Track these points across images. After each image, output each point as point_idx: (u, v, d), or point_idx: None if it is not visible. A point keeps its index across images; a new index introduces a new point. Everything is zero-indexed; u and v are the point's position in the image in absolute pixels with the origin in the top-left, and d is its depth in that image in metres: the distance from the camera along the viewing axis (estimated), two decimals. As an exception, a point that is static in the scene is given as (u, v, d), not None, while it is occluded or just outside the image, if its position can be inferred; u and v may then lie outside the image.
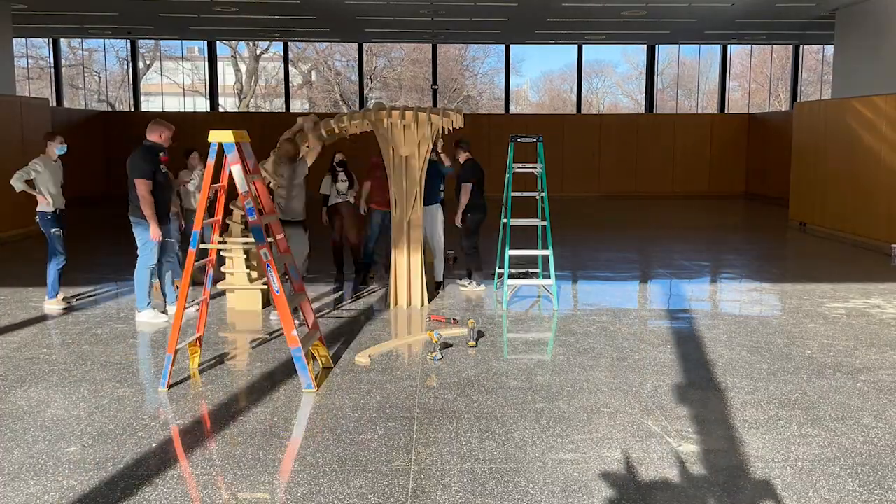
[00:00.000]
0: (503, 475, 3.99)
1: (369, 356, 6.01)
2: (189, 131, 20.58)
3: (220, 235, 7.62)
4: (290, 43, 22.67)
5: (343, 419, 4.75)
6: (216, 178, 5.52)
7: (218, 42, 22.21)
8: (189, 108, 25.85)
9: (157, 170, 7.00)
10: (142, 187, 6.89)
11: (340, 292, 8.58)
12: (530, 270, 9.01)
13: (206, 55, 21.61)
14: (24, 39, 20.88)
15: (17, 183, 7.83)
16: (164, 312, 7.37)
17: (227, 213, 7.64)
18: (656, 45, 21.97)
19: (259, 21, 16.74)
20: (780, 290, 8.89)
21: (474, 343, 6.34)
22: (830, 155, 13.46)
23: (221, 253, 7.60)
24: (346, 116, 7.57)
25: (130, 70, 22.61)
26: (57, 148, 8.46)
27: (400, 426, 4.63)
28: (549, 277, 7.99)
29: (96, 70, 26.44)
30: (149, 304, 7.21)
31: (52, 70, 21.72)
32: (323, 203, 9.08)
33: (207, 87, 22.00)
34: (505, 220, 8.13)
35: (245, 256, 7.65)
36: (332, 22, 16.96)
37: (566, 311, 7.76)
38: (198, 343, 5.73)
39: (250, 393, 5.25)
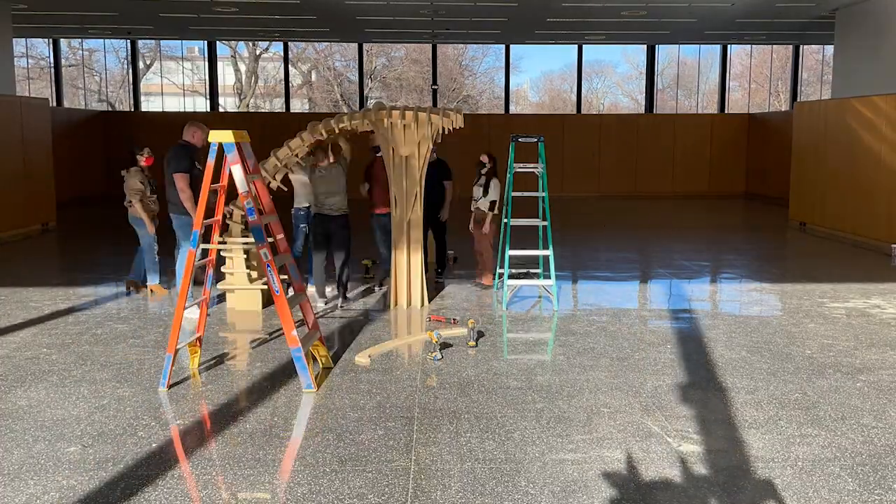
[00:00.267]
0: (503, 475, 3.99)
1: (369, 356, 6.01)
2: (189, 131, 20.61)
3: (220, 235, 7.63)
4: (289, 43, 22.67)
5: (343, 419, 4.75)
6: (216, 178, 5.53)
7: (218, 42, 22.20)
8: (189, 108, 25.84)
9: (193, 166, 7.48)
10: (181, 181, 7.35)
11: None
12: (531, 271, 9.01)
13: (206, 55, 21.61)
14: (24, 39, 20.87)
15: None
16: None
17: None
18: (656, 45, 21.97)
19: (259, 21, 16.74)
20: (780, 290, 8.89)
21: (474, 343, 6.34)
22: (830, 155, 13.46)
23: (221, 253, 7.60)
24: (345, 116, 7.57)
25: (130, 70, 22.60)
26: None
27: (400, 426, 4.63)
28: (549, 277, 7.99)
29: (96, 70, 26.44)
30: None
31: (52, 70, 21.72)
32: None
33: (207, 87, 22.00)
34: (505, 220, 8.13)
35: (245, 256, 7.65)
36: (332, 22, 16.95)
37: (566, 311, 7.76)
38: (198, 343, 5.74)
39: (250, 393, 5.25)
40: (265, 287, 7.78)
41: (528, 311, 7.80)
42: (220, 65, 22.88)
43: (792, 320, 7.37)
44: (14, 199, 12.85)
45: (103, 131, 20.26)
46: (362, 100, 23.49)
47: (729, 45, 21.74)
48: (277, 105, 29.81)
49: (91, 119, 20.15)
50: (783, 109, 23.29)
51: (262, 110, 30.75)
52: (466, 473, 4.01)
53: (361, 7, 14.68)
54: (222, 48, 27.52)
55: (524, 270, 9.09)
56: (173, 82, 26.95)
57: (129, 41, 21.81)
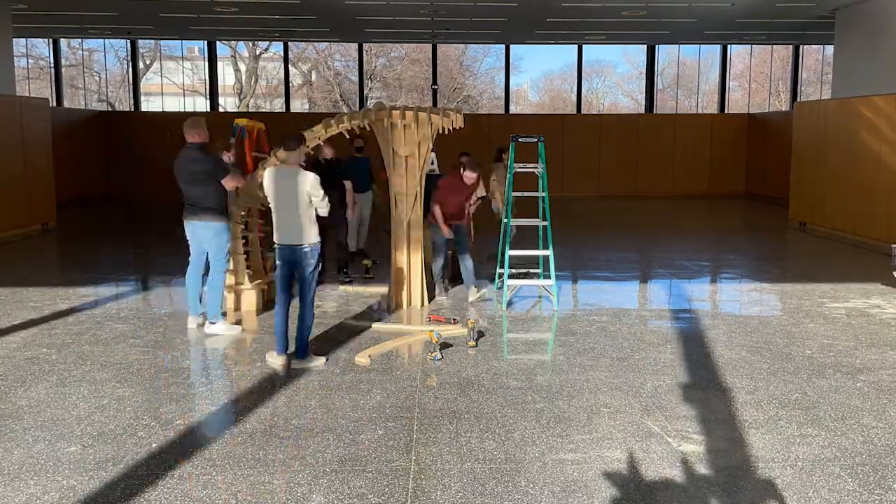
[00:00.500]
0: (503, 475, 3.99)
1: (369, 356, 6.01)
2: (189, 131, 20.60)
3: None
4: (290, 43, 22.67)
5: (343, 419, 4.75)
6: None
7: (218, 42, 22.20)
8: (189, 108, 25.84)
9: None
10: (231, 183, 6.75)
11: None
12: (531, 271, 9.01)
13: (206, 55, 21.61)
14: (24, 39, 20.87)
15: None
16: (238, 323, 7.04)
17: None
18: (656, 45, 21.96)
19: (259, 21, 16.74)
20: (780, 290, 8.89)
21: (474, 343, 6.34)
22: (830, 155, 13.46)
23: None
24: (345, 116, 7.57)
25: (130, 70, 22.60)
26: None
27: (400, 426, 4.63)
28: (549, 277, 7.99)
29: (96, 70, 26.45)
30: (223, 313, 6.96)
31: (52, 70, 21.71)
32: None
33: (207, 87, 22.00)
34: (505, 220, 8.13)
35: (245, 256, 7.64)
36: (332, 22, 16.95)
37: (566, 311, 7.76)
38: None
39: (250, 393, 5.25)
40: (265, 287, 7.78)
41: (528, 311, 7.80)
42: (220, 65, 22.88)
43: (792, 320, 7.37)
44: (14, 199, 12.84)
45: (103, 131, 20.26)
46: (362, 100, 23.49)
47: (729, 45, 21.74)
48: (277, 105, 29.81)
49: (91, 119, 20.15)
50: (783, 109, 23.29)
51: (263, 110, 30.75)
52: (466, 473, 4.01)
53: (361, 7, 14.68)
54: (222, 48, 27.53)
55: (524, 270, 9.09)
56: (173, 82, 26.95)
57: (129, 41, 21.80)
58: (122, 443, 4.37)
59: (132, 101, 22.29)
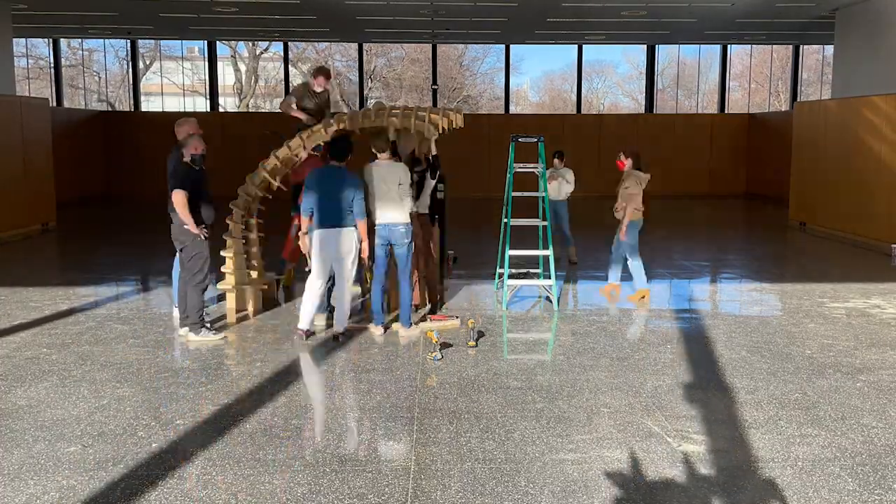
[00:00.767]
0: (503, 475, 3.99)
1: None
2: (189, 131, 20.60)
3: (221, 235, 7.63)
4: (289, 43, 22.67)
5: (343, 419, 4.75)
6: None
7: (218, 42, 22.20)
8: (189, 108, 25.85)
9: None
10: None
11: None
12: (531, 271, 9.01)
13: (206, 55, 21.61)
14: (24, 39, 20.87)
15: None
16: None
17: (227, 212, 7.63)
18: (656, 45, 21.96)
19: (259, 21, 16.74)
20: (780, 290, 8.89)
21: (474, 343, 6.34)
22: (830, 155, 13.46)
23: (221, 253, 7.60)
24: (346, 116, 7.57)
25: (130, 70, 22.61)
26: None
27: (400, 426, 4.63)
28: (549, 278, 7.99)
29: (96, 70, 26.46)
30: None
31: (52, 70, 21.71)
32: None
33: (207, 87, 22.00)
34: (505, 220, 8.13)
35: (245, 256, 7.64)
36: (332, 22, 16.95)
37: (566, 311, 7.76)
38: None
39: (250, 393, 5.25)
40: (265, 287, 7.78)
41: (528, 311, 7.80)
42: (220, 65, 22.88)
43: (792, 320, 7.37)
44: (14, 199, 12.84)
45: (103, 131, 20.25)
46: (362, 100, 23.49)
47: (729, 45, 21.74)
48: (277, 105, 29.81)
49: (91, 119, 20.15)
50: (783, 109, 23.28)
51: (263, 110, 30.75)
52: (466, 473, 4.01)
53: (361, 7, 14.67)
54: (222, 48, 27.54)
55: (524, 270, 9.09)
56: (173, 82, 26.96)
57: (129, 41, 21.80)
58: (122, 443, 4.37)
59: (132, 101, 22.29)
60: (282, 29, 18.37)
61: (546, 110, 36.52)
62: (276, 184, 7.68)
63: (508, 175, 8.24)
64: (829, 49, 19.83)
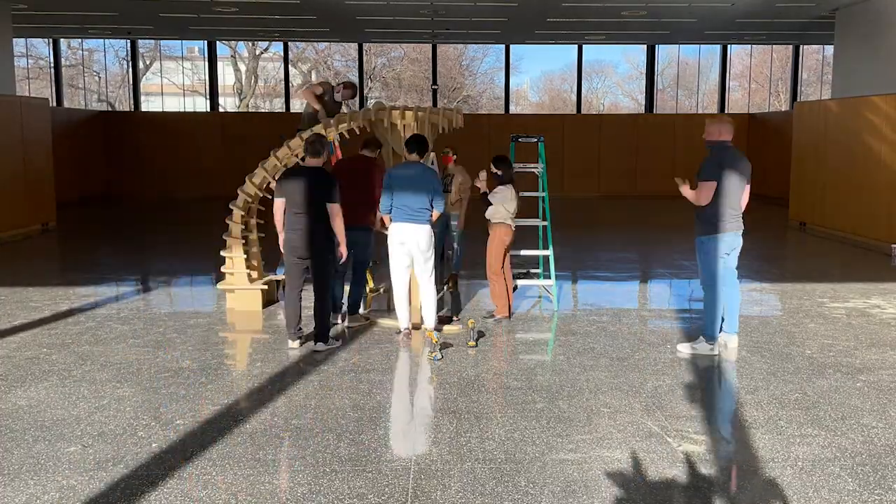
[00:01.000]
0: (503, 475, 3.99)
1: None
2: (189, 131, 20.68)
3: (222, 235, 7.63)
4: (289, 43, 22.67)
5: (343, 419, 4.75)
6: None
7: (218, 42, 22.20)
8: (189, 108, 25.85)
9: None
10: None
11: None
12: (531, 270, 9.01)
13: (206, 55, 21.61)
14: (24, 39, 20.87)
15: None
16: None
17: (227, 212, 7.64)
18: (656, 45, 21.96)
19: (259, 21, 16.74)
20: (780, 290, 8.88)
21: (474, 343, 6.34)
22: (830, 155, 13.46)
23: (221, 253, 7.60)
24: (346, 116, 7.57)
25: (130, 70, 22.61)
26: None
27: (400, 426, 4.63)
28: (549, 277, 7.99)
29: (96, 70, 26.45)
30: None
31: (52, 70, 21.71)
32: None
33: (207, 87, 22.00)
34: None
35: (245, 256, 7.64)
36: (332, 22, 16.95)
37: (566, 311, 7.76)
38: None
39: (250, 393, 5.25)
40: (265, 287, 7.78)
41: (528, 311, 7.80)
42: (220, 65, 22.88)
43: (792, 320, 7.36)
44: (14, 199, 12.85)
45: (103, 131, 20.26)
46: (362, 100, 23.49)
47: (729, 45, 21.74)
48: (277, 105, 29.81)
49: (91, 119, 20.15)
50: (783, 109, 23.28)
51: (262, 110, 30.75)
52: (466, 473, 4.01)
53: (361, 7, 14.68)
54: (222, 48, 27.53)
55: (524, 270, 9.08)
56: (173, 82, 26.95)
57: (129, 41, 21.80)
58: (122, 443, 4.37)
59: (132, 101, 22.29)
60: (282, 29, 18.37)
61: (546, 110, 36.52)
62: (275, 183, 7.66)
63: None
64: (829, 49, 19.83)
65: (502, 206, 7.11)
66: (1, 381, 5.44)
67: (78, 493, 3.78)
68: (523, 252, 8.19)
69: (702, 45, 22.63)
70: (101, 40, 22.79)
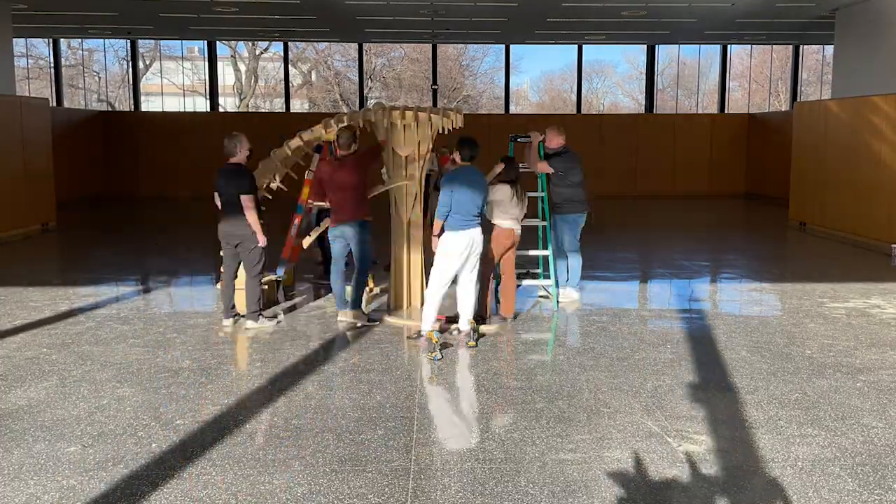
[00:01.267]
0: (503, 475, 3.99)
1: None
2: (189, 131, 20.66)
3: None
4: (289, 43, 22.67)
5: (343, 419, 4.75)
6: None
7: (218, 42, 22.20)
8: (189, 108, 25.85)
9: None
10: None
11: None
12: (531, 271, 9.01)
13: (206, 55, 21.61)
14: (24, 39, 20.87)
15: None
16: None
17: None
18: (656, 45, 21.95)
19: (259, 21, 16.73)
20: (780, 290, 8.89)
21: (474, 343, 6.34)
22: (830, 155, 13.46)
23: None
24: (346, 116, 7.57)
25: (130, 70, 22.61)
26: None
27: (400, 426, 4.63)
28: (549, 277, 7.99)
29: (96, 70, 26.45)
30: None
31: (52, 70, 21.70)
32: None
33: (207, 87, 21.99)
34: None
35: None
36: (332, 22, 16.95)
37: (566, 311, 7.75)
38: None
39: (250, 393, 5.25)
40: (265, 287, 7.77)
41: (528, 311, 7.80)
42: (220, 65, 22.87)
43: (792, 320, 7.37)
44: (14, 199, 12.84)
45: (103, 131, 20.25)
46: (362, 100, 23.49)
47: (729, 45, 21.73)
48: (277, 105, 29.81)
49: (91, 119, 20.14)
50: (783, 109, 23.28)
51: (262, 110, 30.75)
52: (466, 473, 4.01)
53: (361, 7, 14.67)
54: (222, 48, 27.54)
55: (524, 270, 9.09)
56: (173, 82, 26.95)
57: (129, 41, 21.80)
58: (122, 443, 4.37)
59: (132, 101, 22.28)
60: (282, 29, 18.36)
61: (546, 110, 36.51)
62: (276, 183, 7.68)
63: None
64: (829, 49, 19.84)
65: (494, 207, 6.98)
66: (1, 381, 5.44)
67: (78, 493, 3.78)
68: (523, 252, 8.18)
69: (702, 45, 22.62)
70: (101, 40, 22.78)
